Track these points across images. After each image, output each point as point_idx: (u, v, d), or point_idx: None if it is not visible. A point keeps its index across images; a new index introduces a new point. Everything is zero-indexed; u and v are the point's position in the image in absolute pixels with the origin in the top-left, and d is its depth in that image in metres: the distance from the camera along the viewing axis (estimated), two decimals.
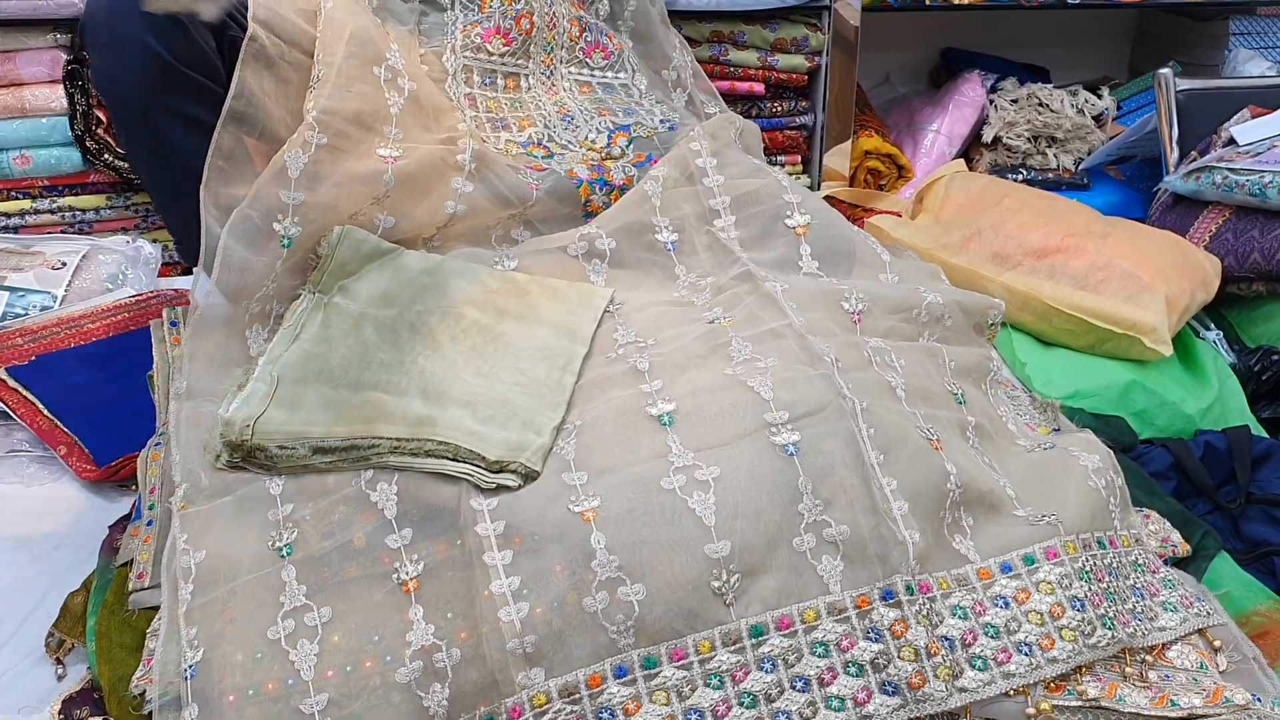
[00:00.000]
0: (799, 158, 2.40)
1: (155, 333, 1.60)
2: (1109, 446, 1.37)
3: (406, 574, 1.04)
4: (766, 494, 1.04)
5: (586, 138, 1.58)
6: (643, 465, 1.06)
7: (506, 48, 1.62)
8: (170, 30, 1.35)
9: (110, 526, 1.35)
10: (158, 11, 1.33)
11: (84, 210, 2.14)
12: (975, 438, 1.24)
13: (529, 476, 1.06)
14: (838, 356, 1.19)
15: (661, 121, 1.64)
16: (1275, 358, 1.84)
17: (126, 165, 2.07)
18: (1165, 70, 2.27)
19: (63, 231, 2.13)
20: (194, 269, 1.30)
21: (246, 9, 1.42)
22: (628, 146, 1.58)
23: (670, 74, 1.79)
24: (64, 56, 2.04)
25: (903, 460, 1.10)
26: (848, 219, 2.27)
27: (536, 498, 1.04)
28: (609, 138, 1.58)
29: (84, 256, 2.00)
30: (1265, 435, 1.73)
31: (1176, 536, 1.35)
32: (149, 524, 1.27)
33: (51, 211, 2.13)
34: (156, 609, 1.12)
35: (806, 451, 1.07)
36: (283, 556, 1.07)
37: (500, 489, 1.05)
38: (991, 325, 1.46)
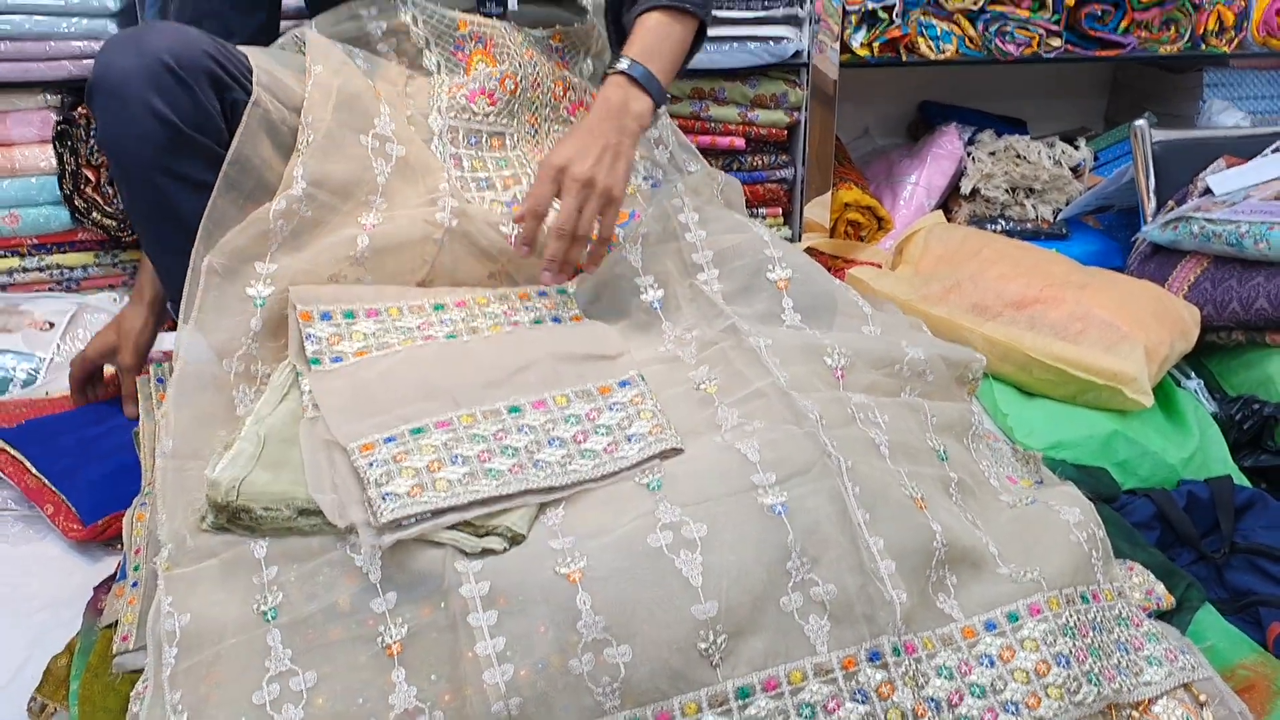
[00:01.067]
0: (780, 210, 2.43)
1: (141, 390, 1.60)
2: (1092, 498, 1.37)
3: (391, 637, 1.04)
4: (754, 553, 1.05)
5: None
6: (629, 526, 1.07)
7: (491, 108, 1.64)
8: (176, 92, 1.36)
9: (95, 587, 1.35)
10: (162, 70, 1.35)
11: (72, 268, 2.15)
12: (958, 494, 1.25)
13: (515, 540, 1.07)
14: (822, 413, 1.19)
15: (645, 178, 1.66)
16: (1256, 406, 1.86)
17: (115, 223, 2.08)
18: (1141, 122, 2.30)
19: (50, 289, 2.14)
20: (178, 326, 1.31)
21: (247, 70, 1.44)
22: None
23: (653, 132, 1.82)
24: (54, 117, 2.06)
25: (888, 519, 1.11)
26: (829, 270, 2.31)
27: (522, 560, 1.05)
28: None
29: (72, 316, 2.01)
30: (1248, 484, 1.75)
31: (1160, 589, 1.35)
32: (134, 585, 1.27)
33: (40, 269, 2.13)
34: (141, 672, 1.11)
35: (794, 510, 1.08)
36: (268, 620, 1.07)
37: (486, 552, 1.06)
38: (973, 379, 1.47)
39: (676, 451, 1.18)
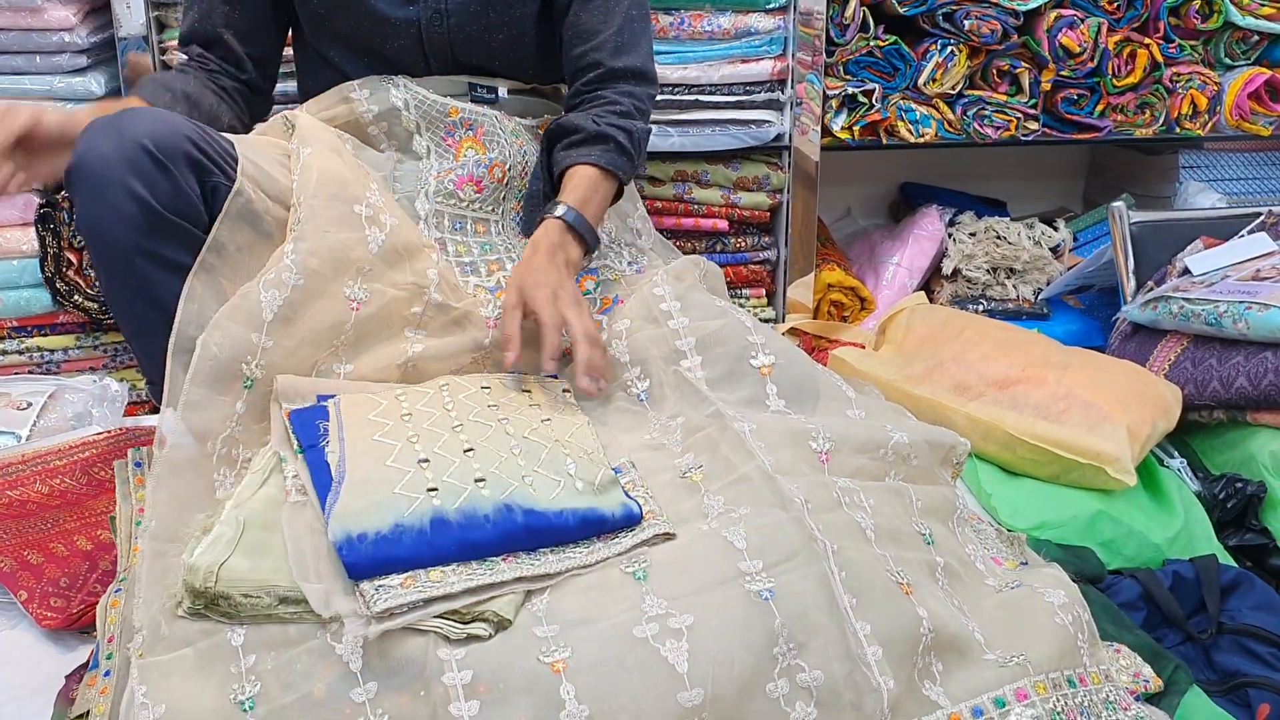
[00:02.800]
0: (764, 291, 2.44)
1: (119, 474, 1.59)
2: (1078, 578, 1.37)
3: None
4: (741, 639, 1.04)
5: None
6: (615, 617, 1.06)
7: (478, 195, 1.65)
8: (155, 175, 1.37)
9: (67, 676, 1.32)
10: (142, 154, 1.36)
11: (52, 350, 2.14)
12: (944, 578, 1.24)
13: (501, 626, 1.05)
14: (807, 498, 1.19)
15: (629, 264, 1.67)
16: (1239, 485, 1.86)
17: (96, 306, 2.08)
18: (1119, 204, 2.33)
19: (30, 372, 2.13)
20: (161, 408, 1.30)
21: (230, 156, 1.45)
22: (595, 290, 1.60)
23: (635, 222, 1.84)
24: (36, 200, 2.06)
25: (875, 604, 1.10)
26: (813, 350, 2.33)
27: (506, 648, 1.03)
28: (576, 282, 1.61)
29: (50, 396, 2.00)
30: (1233, 563, 1.74)
31: (1148, 671, 1.34)
32: (106, 674, 1.24)
33: (20, 352, 2.13)
34: None
35: (781, 596, 1.07)
36: (245, 711, 1.05)
37: (470, 639, 1.04)
38: (957, 463, 1.47)
39: (668, 537, 1.18)
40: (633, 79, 1.69)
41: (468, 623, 1.05)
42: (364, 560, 1.09)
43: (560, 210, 1.54)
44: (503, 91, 1.74)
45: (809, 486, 1.23)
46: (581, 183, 1.58)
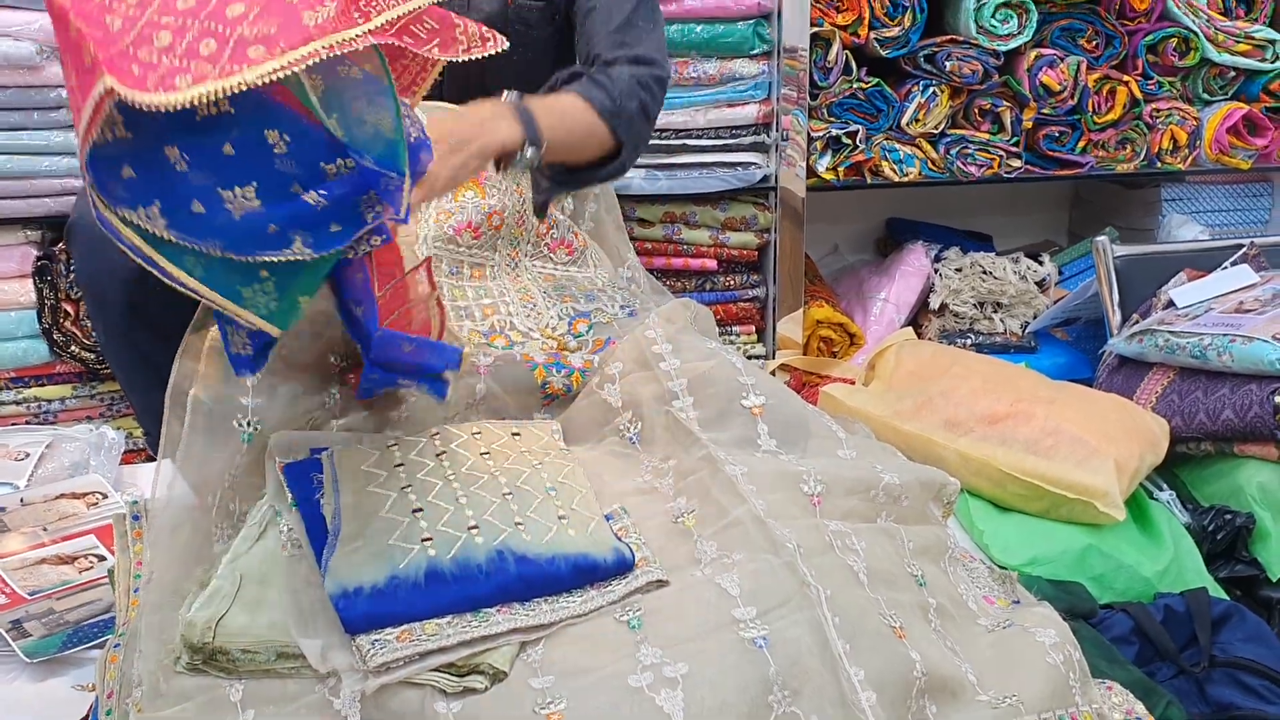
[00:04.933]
0: (753, 328, 2.47)
1: (117, 527, 1.60)
2: (1069, 614, 1.38)
3: None
4: (735, 687, 1.05)
5: (547, 325, 1.62)
6: (610, 666, 1.07)
7: (475, 241, 1.67)
8: None
9: None
10: None
11: (49, 400, 2.16)
12: (937, 619, 1.25)
13: (497, 677, 1.06)
14: (800, 542, 1.20)
15: (622, 307, 1.68)
16: (1228, 517, 1.87)
17: (93, 356, 2.09)
18: (1102, 238, 2.36)
19: (27, 422, 2.15)
20: (158, 460, 1.31)
21: None
22: (588, 332, 1.62)
23: (626, 272, 1.86)
24: (34, 252, 2.09)
25: (868, 649, 1.11)
26: (803, 386, 2.35)
27: (502, 701, 1.04)
28: (569, 324, 1.63)
29: (48, 446, 2.01)
30: (1223, 595, 1.76)
31: (1140, 708, 1.35)
32: None
33: (17, 403, 2.14)
34: None
35: (775, 642, 1.08)
36: None
37: (466, 691, 1.05)
38: (948, 503, 1.48)
39: (661, 583, 1.19)
40: (630, 62, 1.66)
41: (464, 675, 1.06)
42: (360, 615, 1.10)
43: (511, 97, 1.49)
44: None
45: (801, 530, 1.24)
46: (553, 98, 1.54)
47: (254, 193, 1.04)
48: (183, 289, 1.09)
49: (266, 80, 0.95)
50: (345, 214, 1.09)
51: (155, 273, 1.07)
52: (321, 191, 1.06)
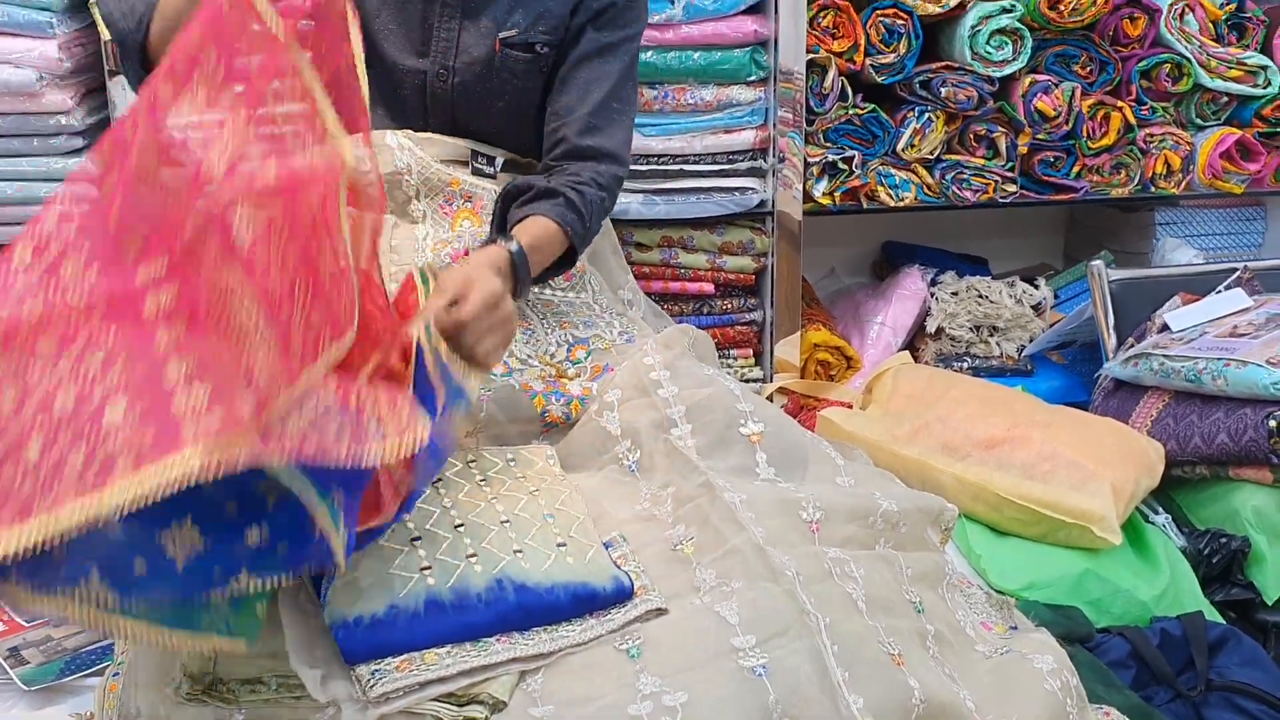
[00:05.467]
0: (751, 352, 2.48)
1: None
2: (1067, 638, 1.38)
3: None
4: (735, 715, 1.05)
5: (545, 352, 1.63)
6: (610, 695, 1.07)
7: None
8: None
9: None
10: None
11: None
12: (935, 646, 1.26)
13: (496, 707, 1.07)
14: (799, 569, 1.21)
15: (620, 334, 1.69)
16: (1224, 540, 1.88)
17: None
18: (1097, 262, 2.38)
19: None
20: None
21: None
22: (586, 359, 1.63)
23: (626, 294, 1.87)
24: None
25: (867, 676, 1.11)
26: (801, 409, 2.35)
27: None
28: (568, 350, 1.63)
29: None
30: (1219, 619, 1.77)
31: None
32: None
33: None
34: None
35: (774, 671, 1.08)
36: None
37: None
38: (946, 529, 1.49)
39: (660, 612, 1.19)
40: (597, 157, 1.68)
41: (464, 705, 1.07)
42: (360, 645, 1.10)
43: (512, 245, 1.49)
44: (500, 161, 1.78)
45: (800, 558, 1.24)
46: (533, 228, 1.55)
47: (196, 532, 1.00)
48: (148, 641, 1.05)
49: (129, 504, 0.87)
50: (293, 533, 1.04)
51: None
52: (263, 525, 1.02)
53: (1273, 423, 1.88)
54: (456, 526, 1.24)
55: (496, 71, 1.72)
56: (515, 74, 1.73)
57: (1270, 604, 1.83)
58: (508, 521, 1.27)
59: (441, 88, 1.71)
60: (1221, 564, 1.87)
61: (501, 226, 1.63)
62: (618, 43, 1.73)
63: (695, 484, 1.38)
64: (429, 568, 1.18)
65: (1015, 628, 1.48)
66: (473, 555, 1.20)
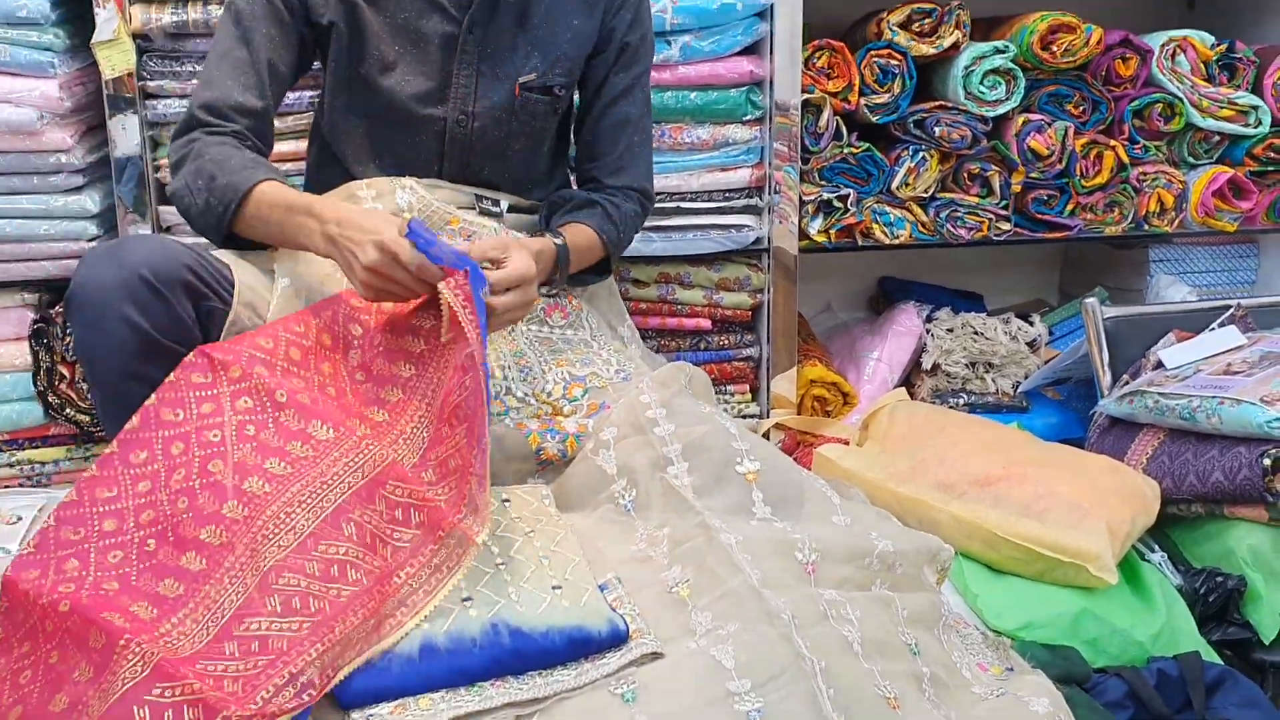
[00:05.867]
0: (747, 387, 2.48)
1: None
2: (1064, 679, 1.38)
3: None
4: None
5: (542, 390, 1.64)
6: None
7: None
8: (152, 303, 1.41)
9: None
10: (139, 283, 1.40)
11: (43, 463, 2.16)
12: (931, 689, 1.26)
13: None
14: (794, 613, 1.21)
15: (617, 371, 1.70)
16: (1220, 579, 1.88)
17: (88, 418, 2.10)
18: (1091, 299, 2.39)
19: (20, 485, 2.14)
20: None
21: (225, 280, 1.50)
22: (583, 396, 1.63)
23: (624, 330, 1.88)
24: (30, 315, 2.09)
25: None
26: (798, 446, 2.35)
27: None
28: (564, 388, 1.64)
29: (40, 509, 2.00)
30: (1216, 659, 1.76)
31: None
32: None
33: (10, 465, 2.14)
34: None
35: (770, 715, 1.08)
36: None
37: None
38: (942, 570, 1.49)
39: (656, 656, 1.19)
40: (627, 190, 1.88)
41: None
42: (354, 690, 1.10)
43: (559, 240, 1.69)
44: (505, 205, 1.81)
45: (796, 600, 1.25)
46: (575, 233, 1.74)
47: None
48: None
49: None
50: None
51: None
52: None
53: (1267, 461, 1.87)
54: None
55: (516, 115, 1.77)
56: (534, 116, 1.78)
57: (1267, 644, 1.82)
58: (503, 564, 1.27)
59: (461, 133, 1.75)
60: (1218, 603, 1.87)
61: (545, 231, 1.77)
62: (635, 81, 1.87)
63: (691, 524, 1.38)
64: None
65: (1011, 669, 1.47)
66: (468, 599, 1.20)
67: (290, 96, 1.87)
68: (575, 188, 1.95)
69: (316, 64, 1.81)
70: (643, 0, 1.88)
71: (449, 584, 1.22)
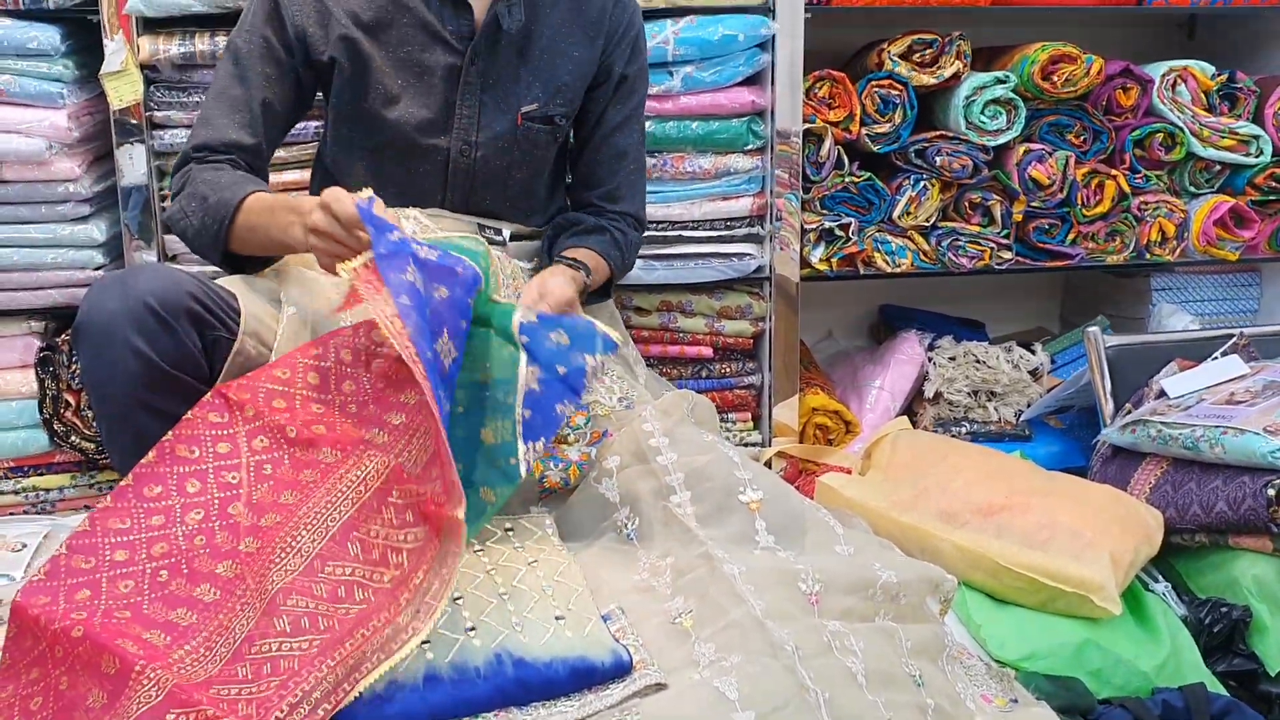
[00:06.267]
0: (749, 415, 2.48)
1: None
2: (1068, 710, 1.37)
3: None
4: None
5: None
6: None
7: None
8: (158, 332, 1.42)
9: None
10: (146, 313, 1.41)
11: (48, 490, 2.16)
12: None
13: None
14: (798, 644, 1.21)
15: (620, 399, 1.70)
16: (1224, 610, 1.87)
17: (93, 446, 2.10)
18: (1094, 328, 2.39)
19: (25, 512, 2.15)
20: None
21: (231, 309, 1.51)
22: (585, 425, 1.64)
23: (630, 352, 1.89)
24: (37, 343, 2.10)
25: None
26: (800, 474, 2.35)
27: None
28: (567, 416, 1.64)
29: (45, 537, 2.01)
30: (1221, 690, 1.75)
31: None
32: None
33: (15, 493, 2.14)
34: None
35: None
36: None
37: None
38: (945, 600, 1.49)
39: (660, 687, 1.19)
40: (624, 217, 1.93)
41: None
42: None
43: (582, 271, 1.75)
44: (507, 234, 1.83)
45: (799, 631, 1.24)
46: (591, 258, 1.81)
47: None
48: None
49: None
50: None
51: None
52: None
53: (1271, 491, 1.87)
54: (455, 599, 1.25)
55: (518, 144, 1.80)
56: (536, 144, 1.81)
57: (1273, 675, 1.81)
58: (506, 594, 1.27)
59: (465, 163, 1.78)
60: (1223, 634, 1.86)
61: (550, 251, 1.84)
62: (632, 113, 1.92)
63: (694, 554, 1.38)
64: (428, 641, 1.18)
65: (1016, 700, 1.47)
66: (472, 629, 1.20)
67: (296, 126, 1.88)
68: (570, 210, 1.99)
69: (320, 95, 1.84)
70: (640, 33, 1.92)
71: (454, 581, 1.22)
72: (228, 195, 1.61)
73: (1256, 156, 2.57)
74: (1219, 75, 2.58)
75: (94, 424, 2.08)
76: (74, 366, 2.07)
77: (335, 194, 1.42)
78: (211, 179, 1.65)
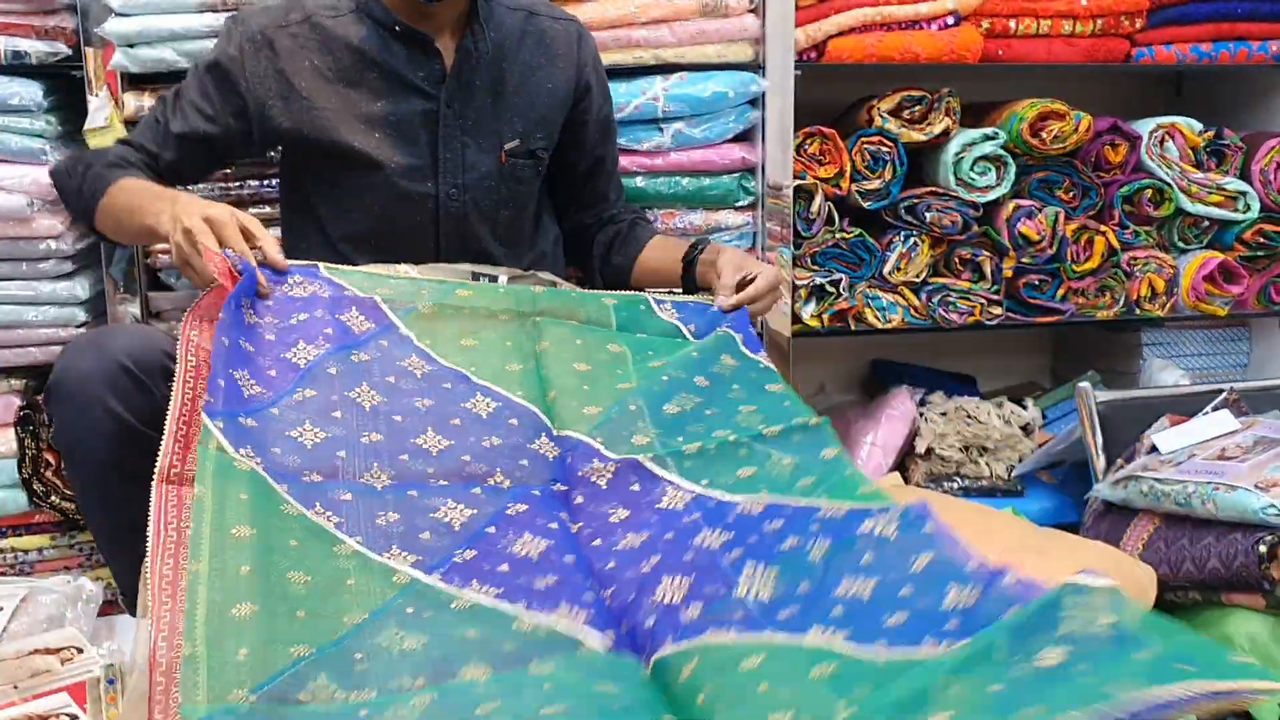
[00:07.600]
0: None
1: (90, 691, 1.56)
2: None
3: None
4: None
5: None
6: None
7: None
8: (132, 392, 1.41)
9: None
10: (120, 372, 1.40)
11: (26, 551, 2.13)
12: None
13: None
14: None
15: None
16: None
17: (73, 505, 2.08)
18: (1084, 384, 2.38)
19: (3, 574, 2.11)
20: (136, 624, 1.30)
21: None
22: None
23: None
24: (17, 402, 2.08)
25: None
26: None
27: None
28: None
29: (22, 600, 1.97)
30: None
31: None
32: None
33: None
34: None
35: None
36: None
37: None
38: None
39: None
40: (628, 210, 2.11)
41: None
42: None
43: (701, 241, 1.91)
44: (502, 280, 1.81)
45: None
46: (667, 240, 1.98)
47: None
48: None
49: None
50: None
51: None
52: None
53: (1263, 548, 1.86)
54: None
55: (505, 181, 1.82)
56: (521, 180, 1.83)
57: None
58: None
59: (455, 206, 1.79)
60: None
61: (603, 269, 2.00)
62: (607, 120, 2.03)
63: None
64: None
65: None
66: None
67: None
68: (564, 232, 2.07)
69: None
70: (595, 48, 1.99)
71: None
72: (117, 172, 1.73)
73: (1244, 212, 2.58)
74: (1206, 131, 2.60)
75: (72, 491, 2.06)
76: (53, 437, 2.05)
77: (220, 220, 1.49)
78: (109, 156, 1.77)
